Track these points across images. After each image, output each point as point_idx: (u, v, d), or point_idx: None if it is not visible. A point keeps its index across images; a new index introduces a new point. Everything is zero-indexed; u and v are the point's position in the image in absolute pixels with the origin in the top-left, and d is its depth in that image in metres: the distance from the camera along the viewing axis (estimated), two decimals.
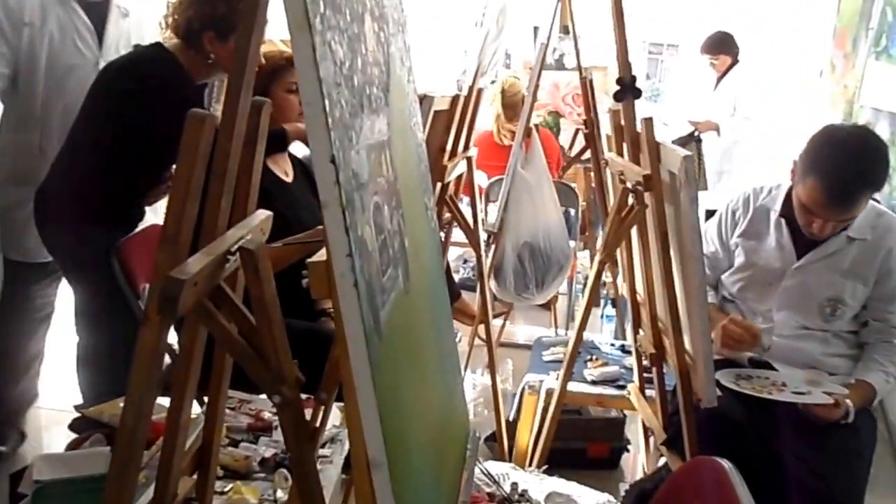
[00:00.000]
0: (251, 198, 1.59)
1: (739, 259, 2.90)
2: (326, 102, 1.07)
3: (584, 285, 5.68)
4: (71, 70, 3.20)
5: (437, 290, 1.82)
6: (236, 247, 1.41)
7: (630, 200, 2.61)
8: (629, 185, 2.59)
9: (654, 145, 2.45)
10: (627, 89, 2.60)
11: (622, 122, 2.75)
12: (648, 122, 2.47)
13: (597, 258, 2.77)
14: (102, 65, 3.16)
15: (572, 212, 5.22)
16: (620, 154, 2.86)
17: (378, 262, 1.24)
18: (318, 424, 1.62)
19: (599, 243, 5.25)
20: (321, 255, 1.26)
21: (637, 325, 2.96)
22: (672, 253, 2.47)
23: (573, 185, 5.36)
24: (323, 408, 1.62)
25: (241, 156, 1.47)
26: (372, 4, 1.43)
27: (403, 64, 1.68)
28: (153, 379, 1.32)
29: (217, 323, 1.38)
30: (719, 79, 6.59)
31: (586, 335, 4.54)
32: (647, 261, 2.68)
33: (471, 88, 3.19)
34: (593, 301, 2.86)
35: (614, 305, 4.54)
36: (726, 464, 1.74)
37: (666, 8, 8.48)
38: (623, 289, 3.29)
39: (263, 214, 1.64)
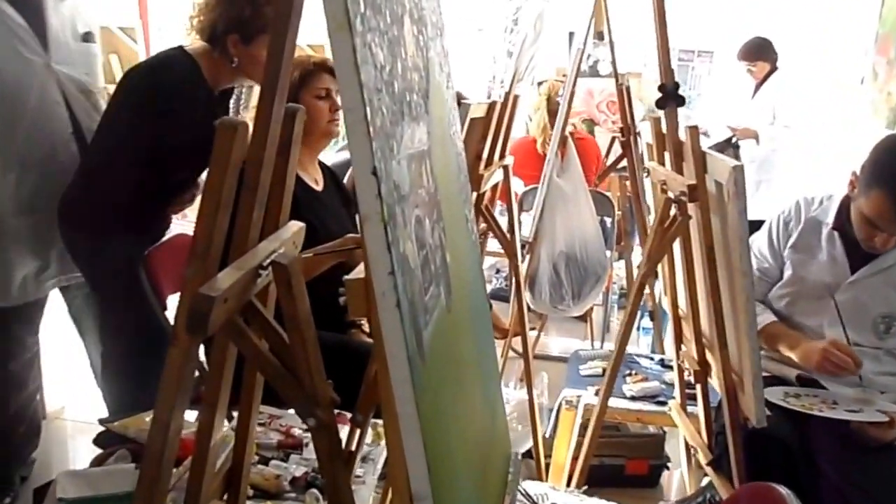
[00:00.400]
0: (284, 209, 1.52)
1: (788, 273, 2.80)
2: (368, 110, 0.99)
3: (620, 296, 5.63)
4: (20, 82, 2.82)
5: (478, 306, 1.74)
6: (268, 261, 1.34)
7: (673, 211, 2.52)
8: (672, 195, 2.50)
9: (700, 154, 2.36)
10: (670, 96, 2.51)
11: (663, 131, 2.67)
12: (694, 130, 2.38)
13: (639, 270, 2.68)
14: (54, 66, 2.90)
15: (608, 221, 5.11)
16: (662, 163, 2.77)
17: (420, 280, 1.17)
18: (353, 448, 1.54)
19: (637, 254, 5.18)
20: (359, 271, 1.19)
21: (679, 339, 2.87)
22: (718, 267, 2.37)
23: (608, 193, 5.27)
24: (359, 431, 1.55)
25: (274, 165, 1.40)
26: (411, 6, 1.35)
27: (442, 69, 1.60)
28: (181, 400, 1.26)
29: (248, 341, 1.31)
30: (758, 86, 6.45)
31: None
32: (690, 274, 2.58)
33: (507, 95, 3.10)
34: (635, 315, 2.77)
35: (652, 318, 4.44)
36: (784, 490, 1.65)
37: (697, 15, 8.38)
38: (664, 301, 3.19)
39: (296, 226, 1.57)
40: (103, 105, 3.10)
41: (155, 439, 1.26)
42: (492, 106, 3.00)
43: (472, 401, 1.54)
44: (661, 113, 2.61)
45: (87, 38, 3.09)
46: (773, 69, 6.40)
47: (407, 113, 1.21)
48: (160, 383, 1.21)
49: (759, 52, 6.40)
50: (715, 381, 2.56)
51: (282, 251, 1.40)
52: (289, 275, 1.32)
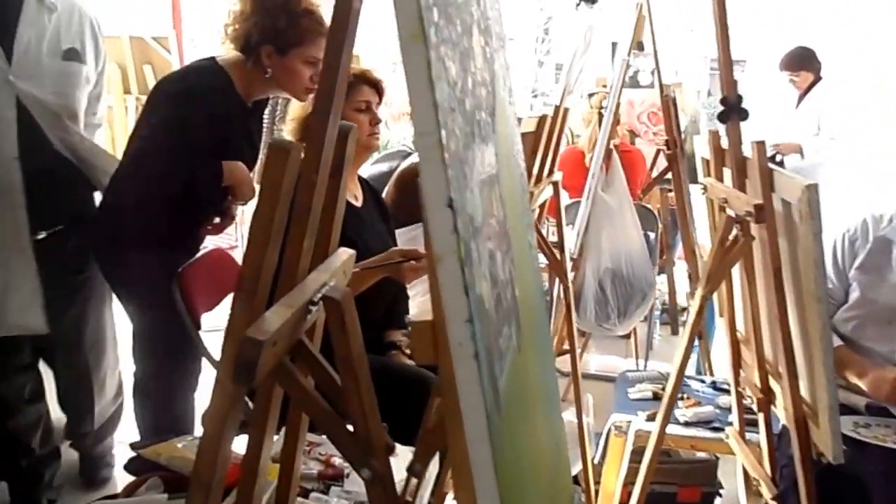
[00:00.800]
0: (334, 235, 1.39)
1: (854, 295, 2.65)
2: (443, 133, 0.86)
3: (662, 311, 5.47)
4: None
5: (543, 337, 1.61)
6: (319, 296, 1.22)
7: (734, 231, 2.38)
8: (734, 214, 2.36)
9: (767, 172, 2.22)
10: (733, 110, 2.37)
11: (722, 145, 2.53)
12: (761, 146, 2.23)
13: (698, 293, 2.53)
14: (14, 81, 2.66)
15: (651, 236, 4.95)
16: (720, 179, 2.63)
17: (495, 323, 1.04)
18: (411, 498, 1.41)
19: (679, 268, 5.03)
20: (425, 313, 1.06)
21: (738, 364, 2.72)
22: (786, 291, 2.23)
23: (648, 205, 5.11)
24: (417, 481, 1.42)
25: (326, 188, 1.28)
26: (478, 16, 1.23)
27: (505, 84, 1.47)
28: (225, 452, 1.13)
29: (299, 386, 1.18)
30: (801, 96, 6.29)
31: (666, 367, 4.30)
32: (753, 297, 2.44)
33: (557, 108, 2.97)
34: (693, 341, 2.62)
35: (700, 337, 4.29)
36: None
37: (729, 22, 8.22)
38: (719, 322, 3.03)
39: (346, 254, 1.44)
40: (80, 129, 2.93)
41: (196, 494, 1.14)
42: (542, 120, 2.88)
43: (541, 441, 1.41)
44: (720, 126, 2.47)
45: (70, 55, 2.83)
46: (817, 79, 6.24)
47: (477, 133, 1.08)
48: (203, 436, 1.09)
49: (803, 62, 6.24)
50: (780, 411, 2.42)
51: (332, 284, 1.27)
52: (342, 311, 1.20)
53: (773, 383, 2.47)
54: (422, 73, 0.84)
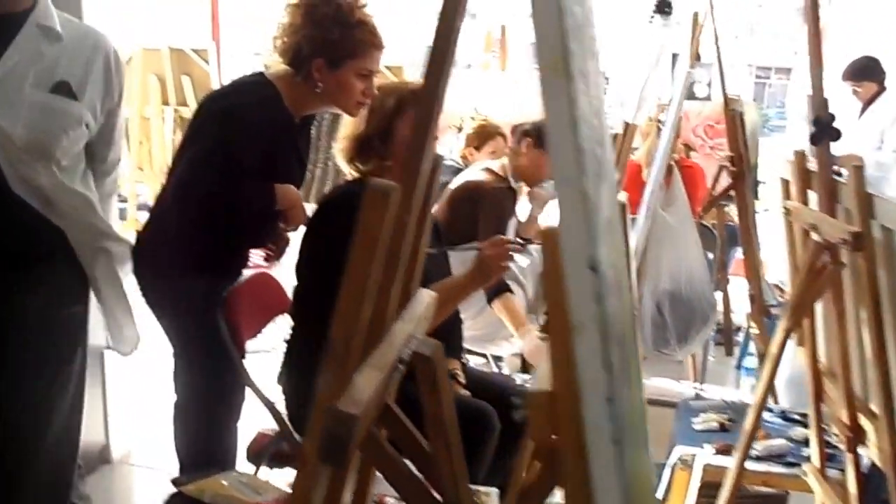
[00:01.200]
0: (416, 276, 1.26)
1: None
2: (585, 181, 0.72)
3: (717, 331, 5.30)
4: None
5: (640, 379, 1.45)
6: (409, 352, 1.08)
7: (823, 258, 2.23)
8: (822, 240, 2.21)
9: (866, 197, 2.07)
10: (825, 131, 2.22)
11: (807, 167, 2.39)
12: (858, 169, 2.09)
13: (781, 324, 2.38)
14: None
15: (710, 255, 4.76)
16: (805, 202, 2.48)
17: (622, 392, 0.89)
18: None
19: (736, 285, 4.85)
20: (542, 379, 0.92)
21: (819, 398, 2.56)
22: (885, 325, 2.07)
23: (706, 223, 4.93)
24: None
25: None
26: (589, 36, 1.08)
27: (606, 111, 1.33)
28: None
29: (385, 456, 1.05)
30: (864, 108, 6.09)
31: (723, 391, 4.14)
32: (842, 329, 2.28)
33: (627, 125, 2.83)
34: (774, 376, 2.46)
35: (761, 360, 4.11)
36: None
37: (772, 31, 8.09)
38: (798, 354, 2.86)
39: (427, 297, 1.31)
40: (54, 170, 2.44)
41: None
42: (613, 139, 2.74)
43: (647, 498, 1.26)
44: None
45: (58, 89, 2.40)
46: (881, 90, 6.03)
47: (601, 173, 0.94)
48: None
49: (866, 72, 6.05)
50: (871, 451, 2.26)
51: (420, 337, 1.14)
52: (434, 368, 1.06)
53: (863, 421, 2.31)
54: (564, 112, 0.71)
